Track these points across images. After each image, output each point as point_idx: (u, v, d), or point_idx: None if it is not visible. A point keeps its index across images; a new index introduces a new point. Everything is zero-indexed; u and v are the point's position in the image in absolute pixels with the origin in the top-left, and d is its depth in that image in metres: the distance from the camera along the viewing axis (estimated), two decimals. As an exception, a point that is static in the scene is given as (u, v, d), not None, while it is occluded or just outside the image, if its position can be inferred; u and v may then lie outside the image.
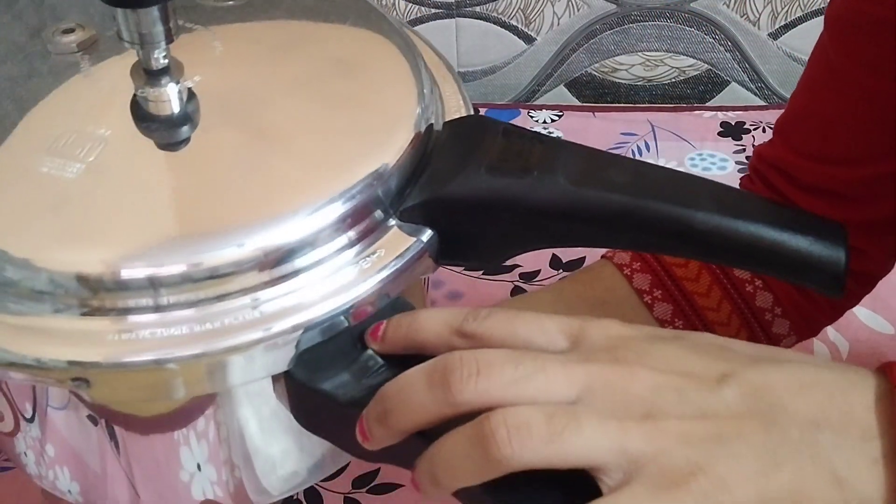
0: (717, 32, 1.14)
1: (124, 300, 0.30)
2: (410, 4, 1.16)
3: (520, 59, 1.18)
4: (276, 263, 0.31)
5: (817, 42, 0.52)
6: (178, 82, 0.35)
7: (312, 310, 0.31)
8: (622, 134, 1.06)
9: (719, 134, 1.06)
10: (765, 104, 1.18)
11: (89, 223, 0.31)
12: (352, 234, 0.33)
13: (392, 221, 0.33)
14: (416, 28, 1.22)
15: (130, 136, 0.34)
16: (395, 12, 1.17)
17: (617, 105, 1.19)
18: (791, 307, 0.53)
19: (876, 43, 0.48)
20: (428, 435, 0.30)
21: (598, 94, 1.20)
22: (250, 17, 0.39)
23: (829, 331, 0.75)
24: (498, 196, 0.33)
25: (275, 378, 0.33)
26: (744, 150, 1.02)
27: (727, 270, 0.52)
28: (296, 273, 0.31)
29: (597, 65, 1.18)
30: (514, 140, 0.35)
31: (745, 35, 1.14)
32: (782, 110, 1.10)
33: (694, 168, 0.99)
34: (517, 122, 1.09)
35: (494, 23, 1.15)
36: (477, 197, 0.34)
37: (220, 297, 0.31)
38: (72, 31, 0.36)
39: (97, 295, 0.30)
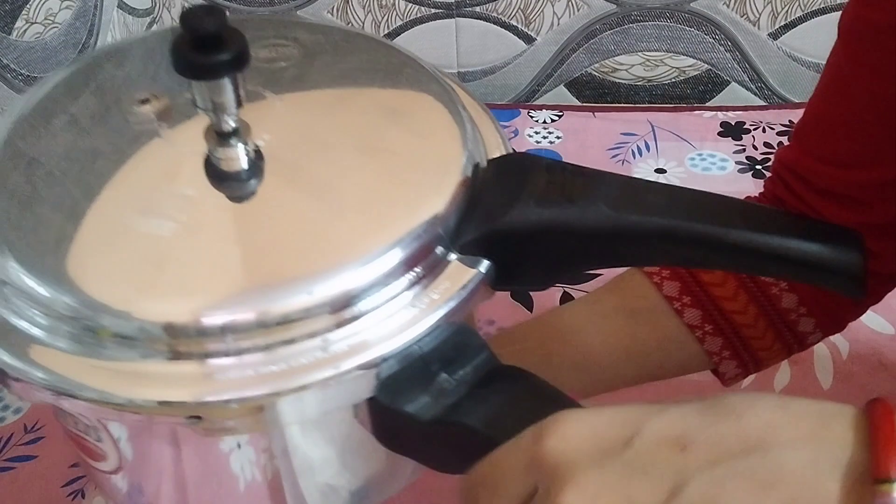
0: (717, 32, 1.14)
1: (206, 345, 0.34)
2: (410, 4, 1.16)
3: (520, 59, 1.18)
4: (347, 305, 0.35)
5: (832, 48, 0.53)
6: (246, 142, 0.38)
7: (390, 342, 0.35)
8: (622, 134, 1.06)
9: (719, 134, 1.06)
10: (765, 104, 1.18)
11: (174, 276, 0.35)
12: (418, 269, 0.36)
13: (452, 256, 0.37)
14: (416, 28, 1.23)
15: (206, 194, 0.37)
16: (395, 12, 1.17)
17: (617, 105, 1.19)
18: (815, 306, 0.54)
19: (880, 48, 0.48)
20: None
21: (598, 94, 1.20)
22: (303, 76, 0.43)
23: (830, 331, 0.75)
24: (547, 225, 0.37)
25: (356, 404, 0.37)
26: (744, 150, 1.02)
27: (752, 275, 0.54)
28: (370, 310, 0.35)
29: (597, 65, 1.18)
30: (557, 174, 0.39)
31: (745, 35, 1.14)
32: (782, 110, 1.11)
33: (694, 168, 0.99)
34: (517, 122, 1.09)
35: (494, 23, 1.15)
36: (528, 227, 0.37)
37: (302, 338, 0.34)
38: (147, 101, 0.40)
39: (183, 341, 0.34)
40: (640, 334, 0.55)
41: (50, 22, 0.95)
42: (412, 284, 0.36)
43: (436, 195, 0.37)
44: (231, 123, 0.37)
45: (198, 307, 0.34)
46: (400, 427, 0.36)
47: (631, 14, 1.14)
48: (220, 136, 0.38)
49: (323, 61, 0.44)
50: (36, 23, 0.93)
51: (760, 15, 1.13)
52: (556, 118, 1.10)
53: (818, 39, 1.13)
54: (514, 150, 0.42)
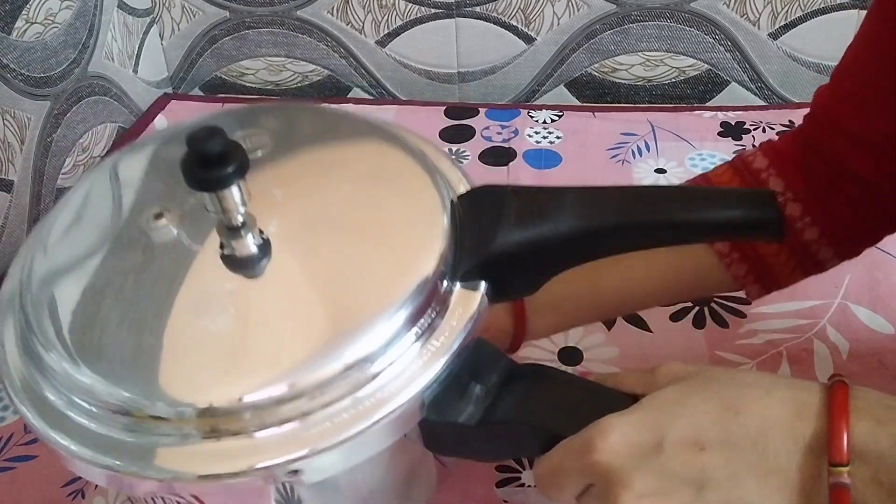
0: (717, 32, 1.14)
1: (254, 420, 0.38)
2: (410, 4, 1.16)
3: (520, 59, 1.18)
4: (375, 358, 0.39)
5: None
6: (254, 232, 0.42)
7: (428, 373, 0.40)
8: (622, 134, 1.06)
9: (719, 134, 1.06)
10: (765, 104, 1.18)
11: (217, 364, 0.39)
12: (435, 305, 0.41)
13: (456, 285, 0.43)
14: (416, 28, 1.23)
15: (228, 285, 0.42)
16: (395, 12, 1.17)
17: (617, 105, 1.19)
18: (834, 238, 0.59)
19: None
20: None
21: (598, 94, 1.20)
22: (279, 160, 0.47)
23: (830, 331, 0.75)
24: (528, 243, 0.43)
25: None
26: (744, 149, 1.02)
27: None
28: (403, 348, 0.40)
29: (597, 65, 1.18)
30: (524, 196, 0.45)
31: (745, 35, 1.14)
32: (782, 110, 1.11)
33: (694, 168, 0.99)
34: (517, 122, 1.09)
35: (494, 23, 1.15)
36: (513, 247, 0.43)
37: (336, 400, 0.39)
38: (161, 215, 0.44)
39: (230, 419, 0.38)
40: (677, 262, 0.61)
41: (50, 22, 0.95)
42: (435, 317, 0.41)
43: (433, 239, 0.42)
44: (239, 219, 0.42)
45: (243, 390, 0.38)
46: (452, 435, 0.43)
47: (631, 14, 1.14)
48: (230, 230, 0.42)
49: (290, 142, 0.49)
50: (36, 23, 0.93)
51: (760, 15, 1.13)
52: (556, 118, 1.10)
53: (818, 39, 1.13)
54: (471, 182, 0.48)
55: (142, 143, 0.51)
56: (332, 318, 0.41)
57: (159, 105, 1.18)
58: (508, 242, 0.43)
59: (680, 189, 0.45)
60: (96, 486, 0.65)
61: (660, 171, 0.98)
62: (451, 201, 0.45)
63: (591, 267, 0.49)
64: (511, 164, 1.01)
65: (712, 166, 0.99)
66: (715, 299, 0.79)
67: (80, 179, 0.49)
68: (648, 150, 1.03)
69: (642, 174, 0.98)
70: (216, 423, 0.38)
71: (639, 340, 0.75)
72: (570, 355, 0.74)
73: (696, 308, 0.79)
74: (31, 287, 0.43)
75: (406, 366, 0.40)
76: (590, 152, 1.03)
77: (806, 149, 0.59)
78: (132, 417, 0.38)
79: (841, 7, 1.10)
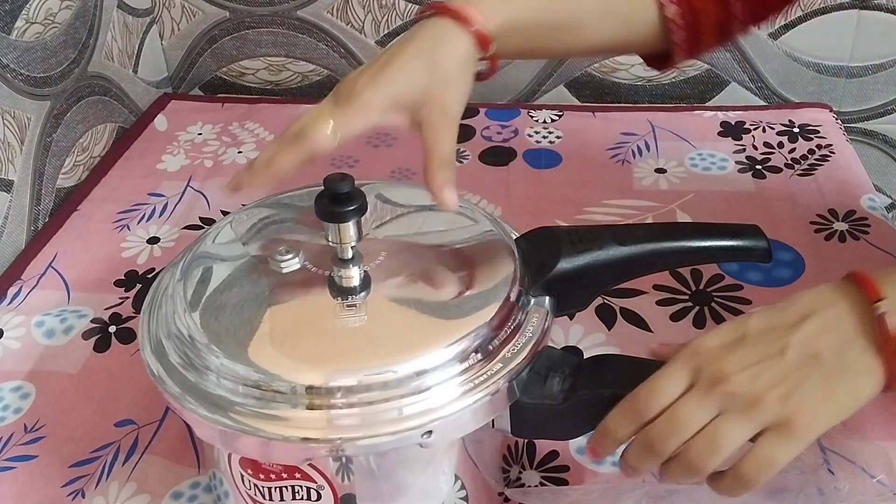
0: (717, 32, 1.14)
1: (328, 400, 0.50)
2: (410, 4, 1.16)
3: (520, 58, 1.18)
4: (494, 338, 0.54)
5: None
6: (361, 266, 0.57)
7: (516, 362, 0.53)
8: (622, 134, 1.06)
9: (719, 134, 1.06)
10: (765, 104, 1.18)
11: (313, 356, 0.53)
12: (516, 313, 0.55)
13: (531, 300, 0.57)
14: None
15: (333, 304, 0.56)
16: (394, 12, 1.17)
17: (617, 105, 1.19)
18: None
19: None
20: None
21: (597, 93, 1.20)
22: (403, 223, 0.63)
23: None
24: (585, 265, 0.58)
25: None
26: (744, 149, 1.02)
27: None
28: (495, 345, 0.53)
29: (596, 64, 1.18)
30: (573, 233, 0.60)
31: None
32: (782, 110, 1.11)
33: (694, 168, 0.99)
34: (517, 121, 1.09)
35: (494, 23, 1.15)
36: (572, 270, 0.58)
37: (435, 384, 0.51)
38: (289, 251, 0.57)
39: (316, 397, 0.50)
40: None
41: (50, 22, 0.95)
42: (521, 321, 0.55)
43: (508, 268, 0.57)
44: (350, 252, 0.56)
45: (326, 377, 0.51)
46: (540, 416, 0.54)
47: (631, 14, 1.14)
48: (342, 262, 0.56)
49: (396, 212, 0.64)
50: (36, 23, 0.93)
51: (760, 15, 1.13)
52: (556, 118, 1.10)
53: (818, 39, 1.13)
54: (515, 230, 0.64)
55: (255, 208, 0.66)
56: (439, 322, 0.54)
57: (159, 105, 1.18)
58: (567, 267, 0.58)
59: (691, 224, 0.61)
60: (97, 485, 0.65)
61: (660, 170, 0.98)
62: (515, 239, 0.61)
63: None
64: (511, 163, 1.01)
65: (713, 166, 1.00)
66: (715, 299, 0.79)
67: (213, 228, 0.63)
68: (648, 150, 1.02)
69: (642, 174, 0.98)
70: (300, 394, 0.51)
71: (639, 340, 0.75)
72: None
73: (697, 308, 0.79)
74: (188, 311, 0.55)
75: (499, 358, 0.53)
76: (590, 152, 1.03)
77: None
78: (261, 390, 0.51)
79: (841, 7, 1.10)
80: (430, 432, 0.49)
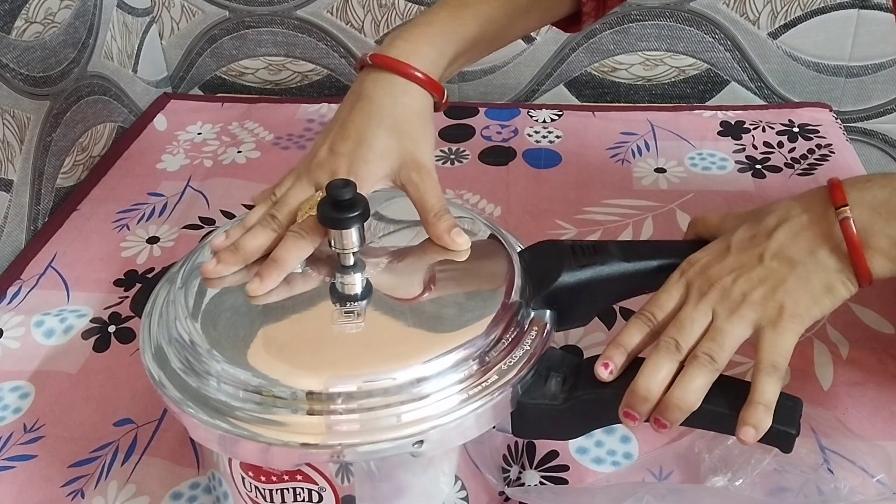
0: (717, 32, 1.14)
1: (327, 405, 0.50)
2: (410, 4, 1.16)
3: (519, 58, 1.18)
4: (484, 354, 0.54)
5: None
6: (362, 273, 0.57)
7: (517, 369, 0.53)
8: (622, 133, 1.06)
9: (719, 133, 1.05)
10: (764, 104, 1.18)
11: (311, 362, 0.52)
12: (517, 323, 0.56)
13: (532, 312, 0.57)
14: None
15: (335, 310, 0.55)
16: (394, 12, 1.16)
17: (617, 105, 1.19)
18: None
19: None
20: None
21: (597, 93, 1.20)
22: (406, 232, 0.63)
23: (831, 331, 0.75)
24: (587, 279, 0.58)
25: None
26: (743, 149, 1.02)
27: None
28: (495, 353, 0.54)
29: (596, 64, 1.18)
30: (577, 247, 0.60)
31: (745, 34, 1.14)
32: (782, 109, 1.11)
33: (694, 168, 0.99)
34: (517, 121, 1.09)
35: (494, 22, 1.15)
36: (576, 283, 0.58)
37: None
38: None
39: (316, 403, 0.50)
40: None
41: (49, 21, 0.95)
42: (521, 331, 0.55)
43: (509, 277, 0.57)
44: (352, 259, 0.57)
45: (326, 382, 0.51)
46: (541, 416, 0.54)
47: (631, 14, 1.14)
48: (343, 269, 0.57)
49: (398, 220, 0.64)
50: (35, 22, 0.93)
51: (760, 14, 1.13)
52: (556, 117, 1.10)
53: (818, 39, 1.13)
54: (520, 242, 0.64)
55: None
56: (438, 330, 0.54)
57: (159, 104, 1.17)
58: (568, 280, 0.58)
59: (687, 241, 0.62)
60: (96, 485, 0.65)
61: (659, 170, 0.98)
62: (518, 252, 0.61)
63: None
64: (511, 163, 1.01)
65: (712, 166, 1.00)
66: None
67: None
68: (648, 150, 1.02)
69: (642, 173, 0.98)
70: (300, 399, 0.51)
71: (639, 340, 0.75)
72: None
73: (696, 308, 0.79)
74: (189, 317, 0.55)
75: (500, 366, 0.53)
76: (589, 151, 1.03)
77: None
78: (261, 395, 0.51)
79: (840, 7, 1.10)
80: (421, 442, 0.50)
